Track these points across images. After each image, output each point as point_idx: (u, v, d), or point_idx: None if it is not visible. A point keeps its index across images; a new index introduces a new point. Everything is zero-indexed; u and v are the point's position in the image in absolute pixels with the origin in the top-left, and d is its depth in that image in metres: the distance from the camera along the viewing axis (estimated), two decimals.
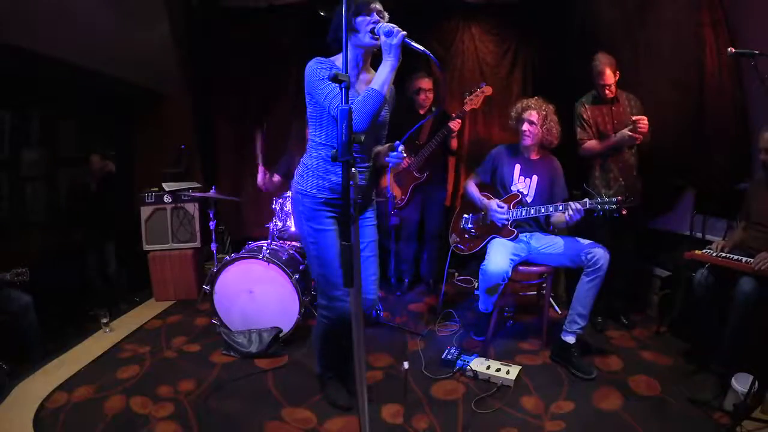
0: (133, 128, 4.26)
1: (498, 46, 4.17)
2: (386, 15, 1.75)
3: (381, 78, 1.64)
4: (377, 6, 1.70)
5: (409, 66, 1.76)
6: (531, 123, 2.57)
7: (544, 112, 2.57)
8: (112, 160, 3.68)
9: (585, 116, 2.79)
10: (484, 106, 3.22)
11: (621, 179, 2.76)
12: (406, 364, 2.09)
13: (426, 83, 3.31)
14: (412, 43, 1.57)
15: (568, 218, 2.34)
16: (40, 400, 2.16)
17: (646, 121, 2.55)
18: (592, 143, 2.77)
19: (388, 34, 1.59)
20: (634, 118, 2.58)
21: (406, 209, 3.44)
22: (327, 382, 2.17)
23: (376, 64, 1.74)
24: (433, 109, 3.35)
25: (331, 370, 2.16)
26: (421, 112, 3.35)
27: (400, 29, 1.58)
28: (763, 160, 2.22)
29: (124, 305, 3.43)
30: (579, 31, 3.67)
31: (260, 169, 3.35)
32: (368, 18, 1.68)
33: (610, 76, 2.66)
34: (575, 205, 2.31)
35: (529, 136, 2.59)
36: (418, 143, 3.27)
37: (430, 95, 3.34)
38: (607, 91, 2.70)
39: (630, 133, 2.58)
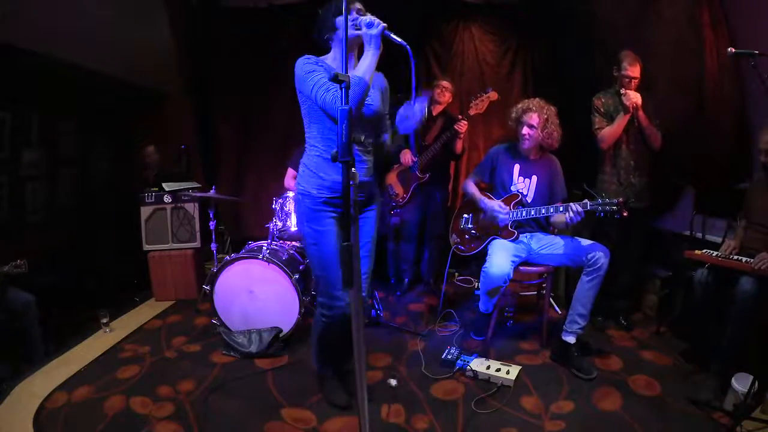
0: (133, 128, 4.26)
1: (498, 46, 4.17)
2: (368, 14, 1.78)
3: (363, 66, 1.68)
4: (357, 5, 1.76)
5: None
6: (531, 127, 2.54)
7: (545, 116, 2.52)
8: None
9: (597, 104, 2.78)
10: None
11: (631, 177, 2.76)
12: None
13: (444, 83, 3.37)
14: (392, 35, 1.64)
15: (568, 219, 2.33)
16: (40, 400, 2.16)
17: (634, 95, 2.57)
18: (606, 130, 2.73)
19: (369, 25, 1.66)
20: (621, 91, 2.62)
21: (407, 209, 3.44)
22: (325, 381, 2.17)
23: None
24: (447, 114, 3.37)
25: (329, 368, 2.17)
26: (434, 113, 3.36)
27: (380, 21, 1.65)
28: (764, 162, 2.22)
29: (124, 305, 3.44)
30: (579, 31, 3.68)
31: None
32: (348, 16, 1.72)
33: (638, 69, 2.66)
34: (576, 207, 2.30)
35: (528, 140, 2.57)
36: (425, 143, 3.28)
37: (447, 94, 3.36)
38: (633, 84, 2.68)
39: (624, 108, 2.60)
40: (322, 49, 1.92)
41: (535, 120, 2.52)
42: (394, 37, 1.63)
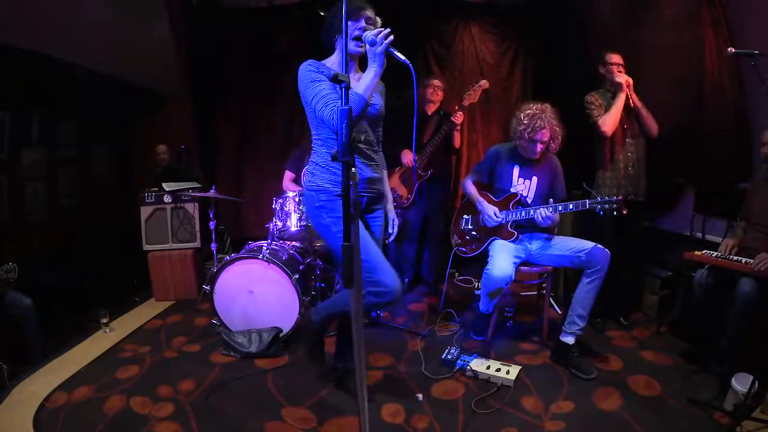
0: (133, 128, 4.26)
1: (498, 46, 4.18)
2: (378, 21, 1.78)
3: (364, 83, 1.67)
4: (367, 13, 1.74)
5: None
6: (543, 143, 2.54)
7: (554, 126, 2.51)
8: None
9: (591, 99, 2.78)
10: (483, 105, 3.22)
11: (630, 168, 2.76)
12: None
13: (436, 81, 3.40)
14: (396, 53, 1.61)
15: (538, 221, 2.39)
16: (40, 400, 2.16)
17: (624, 75, 2.63)
18: (606, 116, 2.69)
19: (372, 43, 1.62)
20: (614, 71, 2.69)
21: (410, 209, 3.44)
22: (313, 335, 2.16)
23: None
24: (441, 112, 3.38)
25: (325, 327, 2.15)
26: (429, 112, 3.38)
27: (384, 38, 1.60)
28: (765, 154, 2.22)
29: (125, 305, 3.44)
30: (579, 31, 3.67)
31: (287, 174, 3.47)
32: (356, 23, 1.73)
33: (620, 57, 2.73)
34: (545, 210, 2.38)
35: (539, 152, 2.56)
36: (422, 142, 3.29)
37: (439, 92, 3.39)
38: (623, 71, 2.71)
39: (622, 94, 2.65)
40: (322, 51, 1.92)
41: (547, 135, 2.52)
42: (398, 54, 1.60)
